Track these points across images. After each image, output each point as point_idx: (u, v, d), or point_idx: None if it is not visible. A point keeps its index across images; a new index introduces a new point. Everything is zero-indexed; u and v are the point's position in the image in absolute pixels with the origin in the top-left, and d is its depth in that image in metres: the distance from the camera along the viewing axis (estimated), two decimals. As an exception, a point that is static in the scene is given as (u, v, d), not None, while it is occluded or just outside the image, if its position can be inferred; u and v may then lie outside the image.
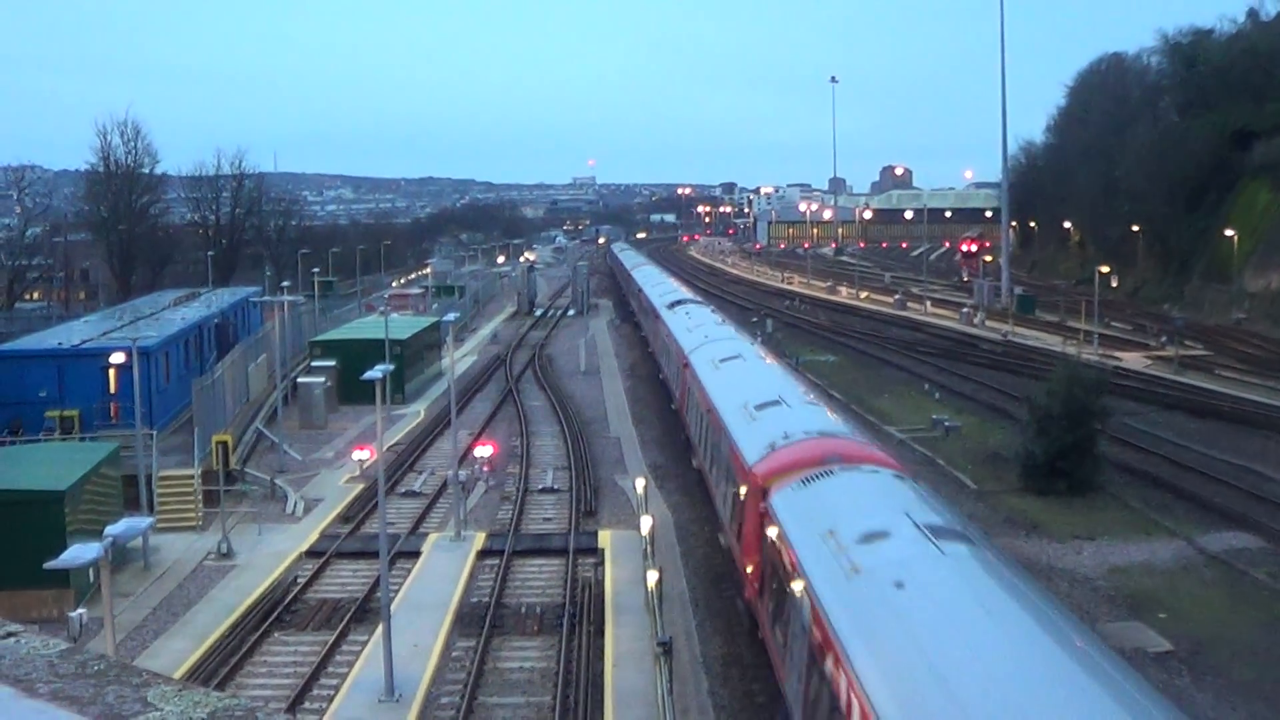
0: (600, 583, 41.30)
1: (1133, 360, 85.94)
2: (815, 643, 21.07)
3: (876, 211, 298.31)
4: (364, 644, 36.09)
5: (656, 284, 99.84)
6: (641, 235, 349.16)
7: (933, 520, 23.35)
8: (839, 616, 20.27)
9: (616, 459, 60.29)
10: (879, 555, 21.60)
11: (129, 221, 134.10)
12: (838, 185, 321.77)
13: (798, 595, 23.12)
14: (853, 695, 18.21)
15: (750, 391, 40.37)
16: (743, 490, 32.67)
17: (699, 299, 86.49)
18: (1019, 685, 16.33)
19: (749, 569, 30.87)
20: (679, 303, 78.40)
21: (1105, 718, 14.35)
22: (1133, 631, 35.74)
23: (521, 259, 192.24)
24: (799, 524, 25.58)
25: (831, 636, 19.97)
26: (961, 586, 20.33)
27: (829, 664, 19.65)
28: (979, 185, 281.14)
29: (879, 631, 19.11)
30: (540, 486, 55.25)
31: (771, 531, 27.26)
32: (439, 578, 42.20)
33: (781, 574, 25.53)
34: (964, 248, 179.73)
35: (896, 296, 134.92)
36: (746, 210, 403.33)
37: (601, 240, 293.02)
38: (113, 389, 59.97)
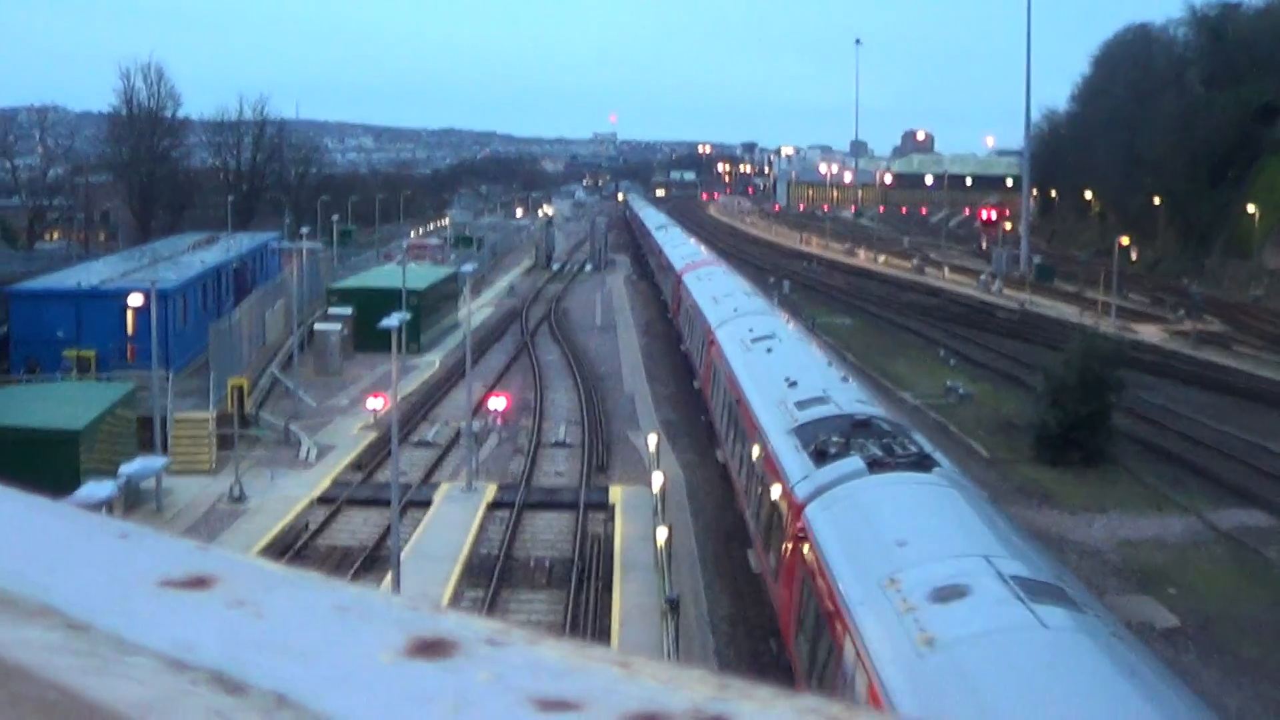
0: (610, 538, 41.41)
1: (1150, 334, 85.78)
2: (704, 335, 53.03)
3: (897, 176, 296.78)
4: (373, 592, 36.18)
5: (653, 218, 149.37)
6: (661, 193, 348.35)
7: (748, 291, 61.85)
8: (704, 303, 57.63)
9: (629, 415, 60.35)
10: (719, 289, 59.92)
11: (150, 164, 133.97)
12: (859, 148, 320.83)
13: (691, 310, 61.77)
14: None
15: (681, 248, 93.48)
16: (673, 278, 79.10)
17: (675, 223, 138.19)
18: None
19: (676, 312, 74.40)
20: (662, 226, 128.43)
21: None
22: (1141, 606, 35.76)
23: (540, 213, 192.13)
24: (698, 284, 64.52)
25: (702, 313, 56.10)
26: (775, 319, 50.55)
27: (687, 305, 64.19)
28: (1000, 153, 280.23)
29: (707, 288, 62.03)
30: (553, 440, 55.36)
31: (684, 292, 68.21)
32: (449, 528, 42.31)
33: (688, 307, 63.97)
34: (984, 215, 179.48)
35: (914, 262, 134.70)
36: (767, 170, 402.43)
37: (621, 196, 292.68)
38: (130, 330, 60.17)
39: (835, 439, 27.43)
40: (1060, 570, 21.23)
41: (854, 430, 28.11)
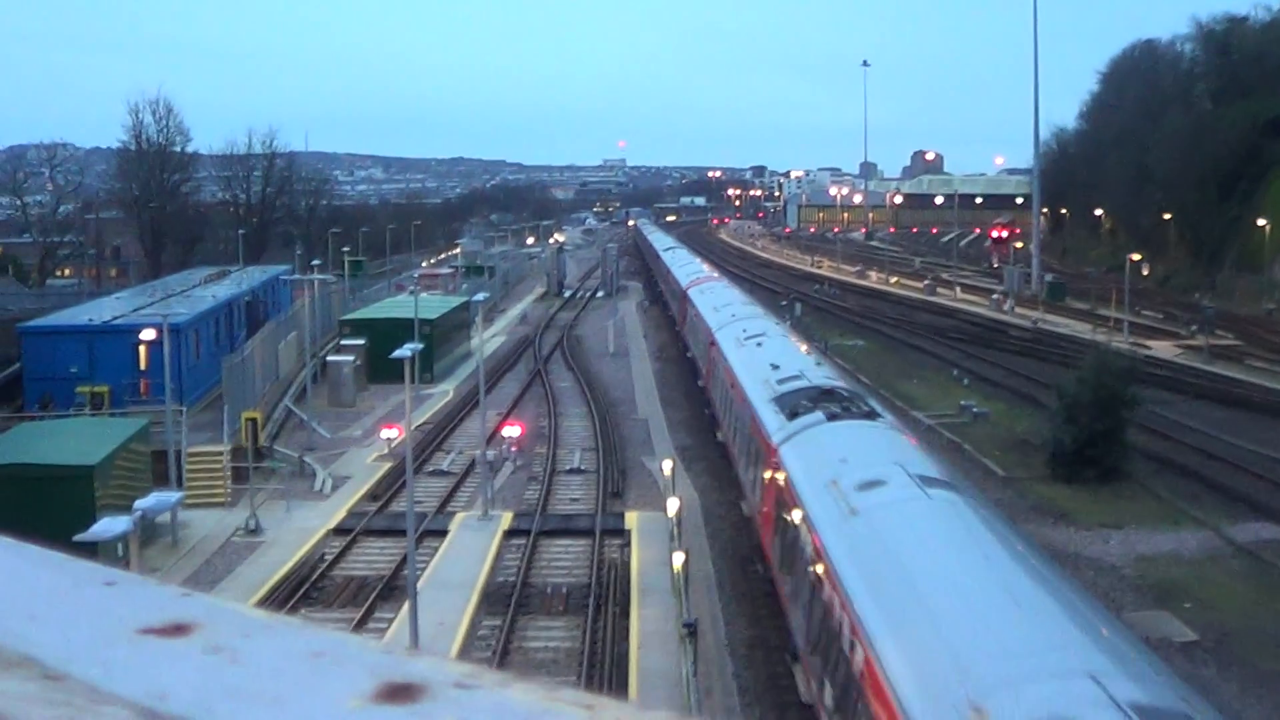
0: (626, 564, 41.41)
1: (1163, 349, 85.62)
2: (707, 338, 60.63)
3: (907, 196, 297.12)
4: (390, 622, 36.26)
5: (661, 241, 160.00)
6: (671, 219, 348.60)
7: (744, 301, 69.51)
8: (706, 312, 65.65)
9: (644, 440, 60.33)
10: (719, 300, 68.51)
11: (160, 199, 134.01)
12: (868, 170, 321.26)
13: (695, 319, 69.54)
14: (700, 321, 66.68)
15: (687, 267, 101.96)
16: (679, 294, 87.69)
17: (682, 245, 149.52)
18: None
19: (683, 323, 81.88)
20: (670, 249, 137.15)
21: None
22: (1158, 621, 35.72)
23: (551, 240, 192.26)
24: (701, 297, 72.36)
25: (704, 320, 64.64)
26: (766, 322, 58.56)
27: (692, 315, 73.26)
28: (1010, 171, 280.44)
29: (709, 300, 70.13)
30: (568, 467, 55.34)
31: (689, 305, 74.76)
32: (466, 556, 42.33)
33: (692, 316, 71.83)
34: (994, 234, 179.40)
35: (926, 282, 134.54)
36: (777, 194, 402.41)
37: (631, 223, 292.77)
38: (143, 365, 60.19)
39: (805, 402, 35.58)
40: (955, 475, 30.33)
41: (820, 396, 36.41)
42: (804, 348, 52.49)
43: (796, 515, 28.03)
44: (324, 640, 1.47)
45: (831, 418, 33.23)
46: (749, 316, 60.17)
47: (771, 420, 36.00)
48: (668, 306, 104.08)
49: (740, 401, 43.20)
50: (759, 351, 47.81)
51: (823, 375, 42.05)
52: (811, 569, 25.14)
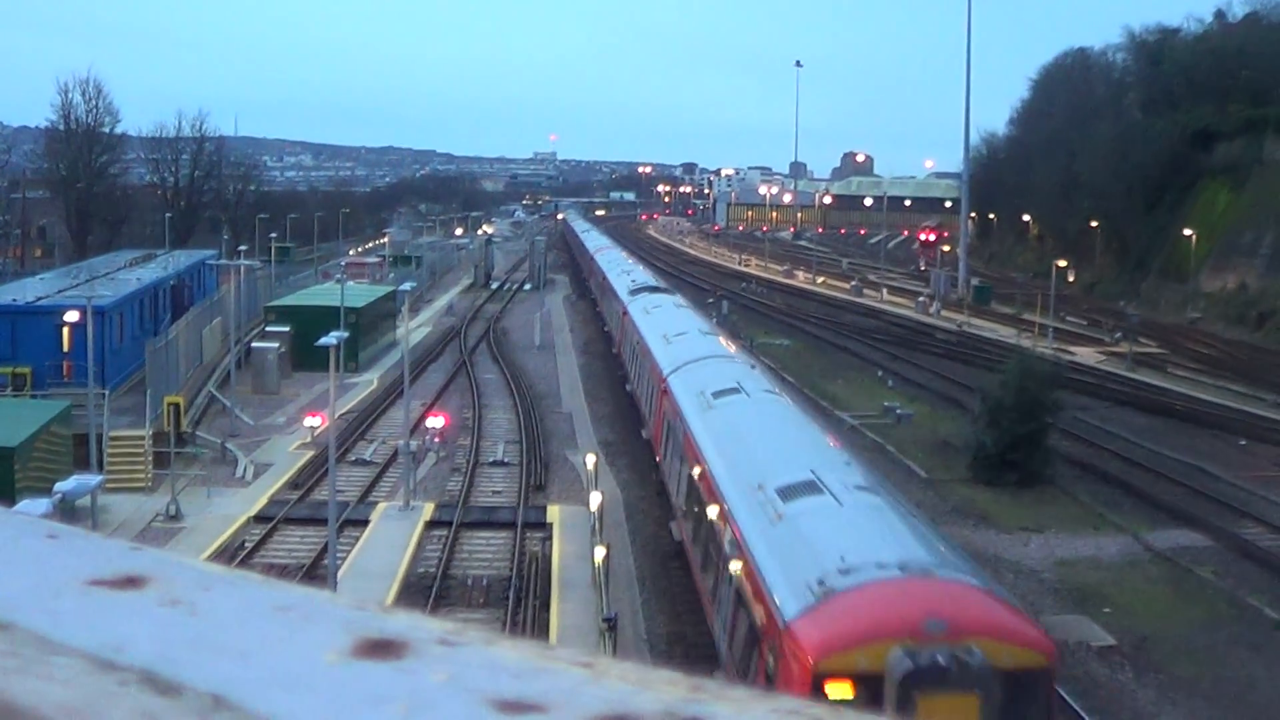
0: (548, 557, 41.33)
1: (1086, 355, 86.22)
2: (601, 277, 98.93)
3: (836, 197, 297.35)
4: (310, 611, 35.99)
5: (581, 226, 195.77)
6: (600, 213, 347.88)
7: (627, 258, 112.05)
8: (603, 264, 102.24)
9: (568, 434, 60.27)
10: (615, 259, 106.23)
11: (87, 180, 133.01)
12: (799, 169, 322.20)
13: (599, 272, 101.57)
14: (611, 295, 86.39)
15: (597, 241, 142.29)
16: (589, 256, 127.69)
17: (595, 229, 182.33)
18: None
19: (590, 275, 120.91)
20: (587, 230, 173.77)
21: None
22: (1077, 625, 35.91)
23: (480, 232, 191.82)
24: (602, 256, 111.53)
25: (601, 268, 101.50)
26: (638, 266, 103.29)
27: (596, 268, 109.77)
28: (940, 175, 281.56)
29: (609, 259, 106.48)
30: (491, 459, 55.19)
31: (594, 262, 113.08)
32: (387, 547, 42.15)
33: (597, 271, 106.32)
34: (922, 237, 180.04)
35: (853, 283, 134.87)
36: (707, 191, 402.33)
37: (560, 216, 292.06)
38: (66, 347, 59.75)
39: (643, 289, 71.01)
40: (695, 304, 77.14)
41: (652, 288, 72.78)
42: (653, 274, 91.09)
43: (630, 330, 60.87)
44: (289, 595, 1.43)
45: (653, 293, 69.11)
46: (627, 261, 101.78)
47: (626, 297, 70.15)
48: (596, 303, 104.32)
49: (616, 300, 75.81)
50: (627, 275, 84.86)
51: (655, 281, 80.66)
52: (630, 341, 59.28)
